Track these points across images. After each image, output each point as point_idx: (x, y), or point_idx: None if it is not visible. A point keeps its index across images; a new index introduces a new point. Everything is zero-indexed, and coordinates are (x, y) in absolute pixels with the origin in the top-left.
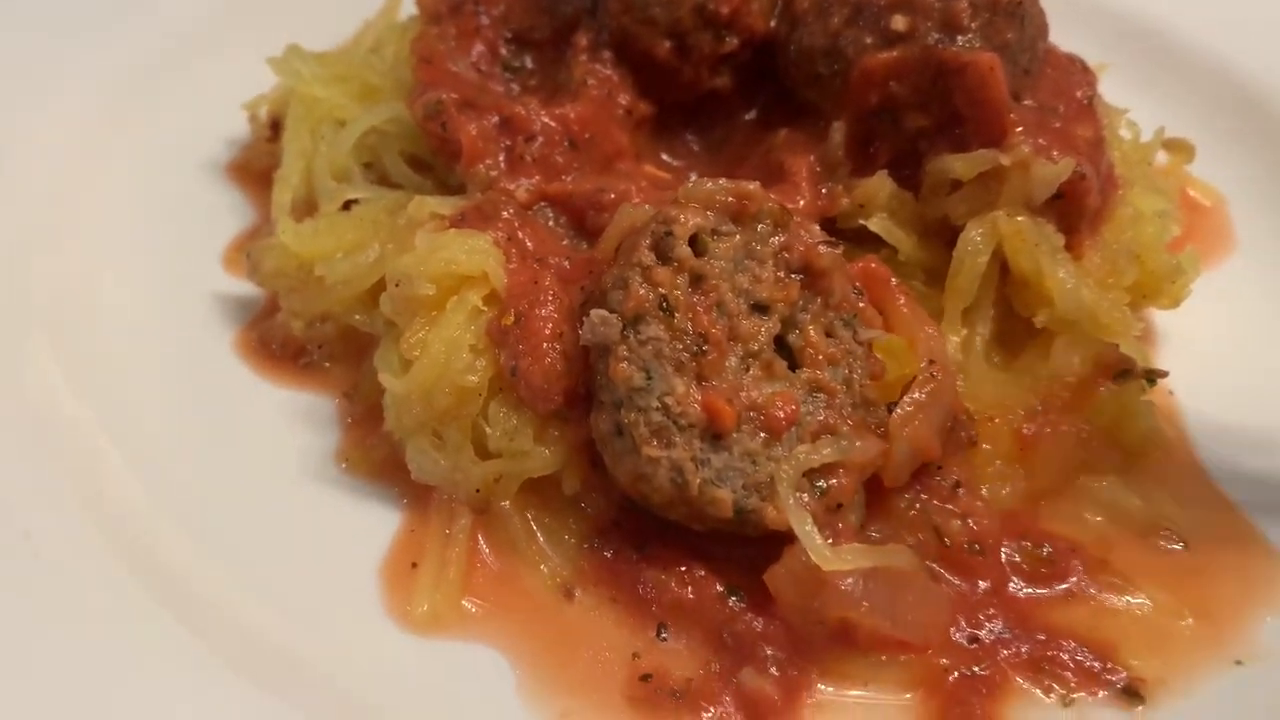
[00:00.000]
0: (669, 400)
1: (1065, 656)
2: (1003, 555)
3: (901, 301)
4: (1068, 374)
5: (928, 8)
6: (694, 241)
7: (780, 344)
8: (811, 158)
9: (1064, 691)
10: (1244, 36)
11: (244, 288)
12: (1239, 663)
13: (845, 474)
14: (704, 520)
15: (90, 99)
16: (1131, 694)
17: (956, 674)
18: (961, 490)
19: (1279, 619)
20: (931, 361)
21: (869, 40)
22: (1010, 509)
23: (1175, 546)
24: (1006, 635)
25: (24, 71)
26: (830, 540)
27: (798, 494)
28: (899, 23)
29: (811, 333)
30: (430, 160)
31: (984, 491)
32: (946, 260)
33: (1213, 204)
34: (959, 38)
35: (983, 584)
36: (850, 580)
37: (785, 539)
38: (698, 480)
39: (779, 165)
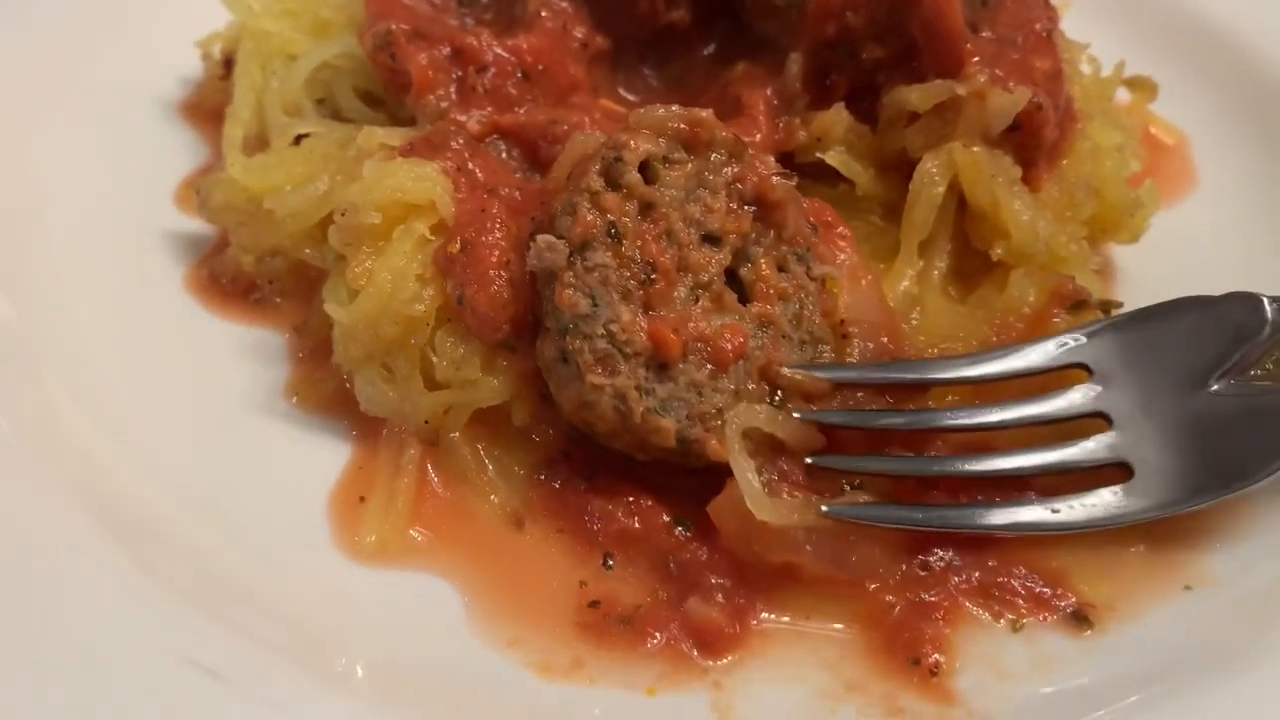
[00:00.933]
0: (614, 328)
1: (1015, 583)
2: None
3: (843, 255)
4: (1023, 306)
5: None
6: (645, 168)
7: (731, 276)
8: (769, 91)
9: (1014, 617)
10: None
11: (195, 225)
12: (1188, 588)
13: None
14: (647, 449)
15: (44, 39)
16: (1080, 619)
17: (899, 609)
18: None
19: (1228, 546)
20: (842, 321)
21: None
22: (966, 441)
23: None
24: (957, 562)
25: None
26: (776, 479)
27: (744, 440)
28: None
29: (763, 266)
30: (383, 95)
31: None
32: (904, 194)
33: (1174, 142)
34: None
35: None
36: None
37: (729, 470)
38: (641, 409)
39: (736, 99)
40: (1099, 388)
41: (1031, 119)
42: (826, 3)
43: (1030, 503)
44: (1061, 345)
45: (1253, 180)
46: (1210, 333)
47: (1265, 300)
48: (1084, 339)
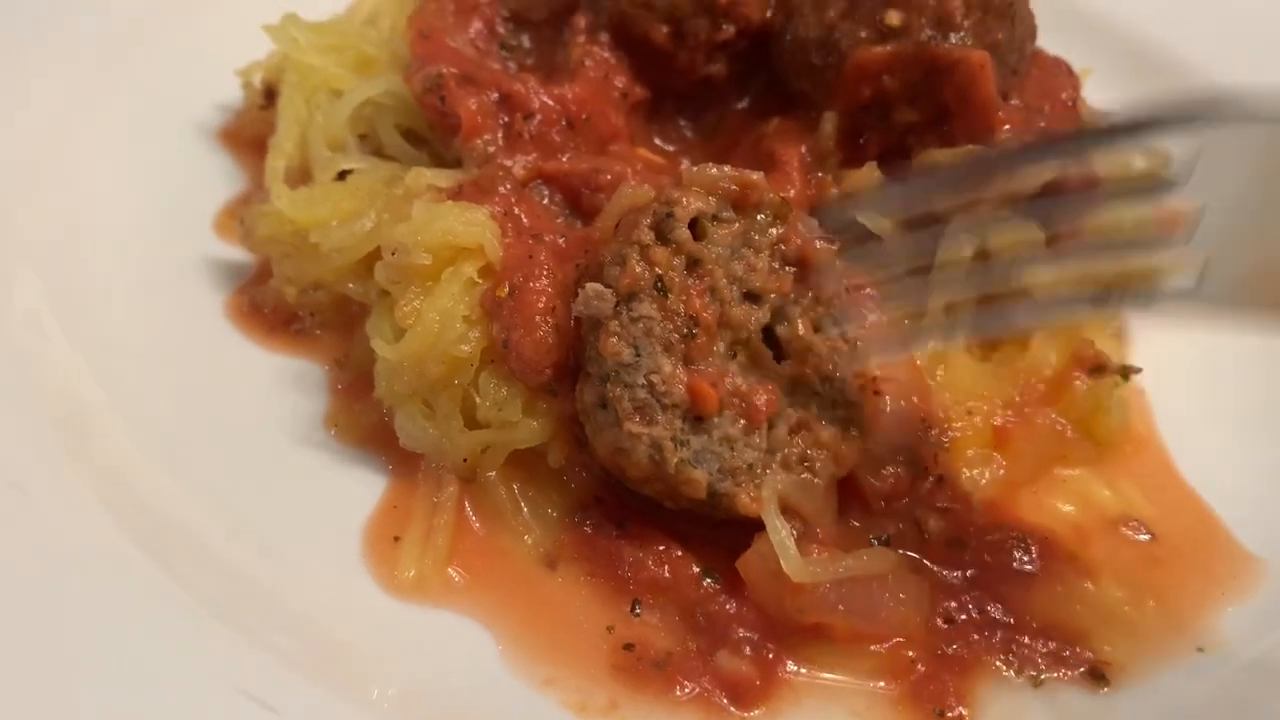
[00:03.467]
0: (655, 378)
1: (1036, 640)
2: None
3: (872, 316)
4: (1045, 368)
5: (921, 4)
6: (694, 225)
7: (769, 334)
8: (803, 148)
9: (1034, 673)
10: (1226, 48)
11: (235, 252)
12: (1201, 650)
13: (820, 478)
14: (677, 499)
15: (85, 60)
16: (1097, 676)
17: (924, 663)
18: (943, 485)
19: (1240, 609)
20: (875, 379)
21: (863, 34)
22: (988, 498)
23: (1143, 537)
24: (979, 618)
25: (20, 29)
26: (803, 538)
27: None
28: (893, 18)
29: (800, 326)
30: (425, 134)
31: (964, 477)
32: (931, 251)
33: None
34: (951, 35)
35: (961, 572)
36: (825, 583)
37: (757, 524)
38: (675, 459)
39: (770, 153)
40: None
41: (1058, 186)
42: (863, 66)
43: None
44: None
45: None
46: None
47: None
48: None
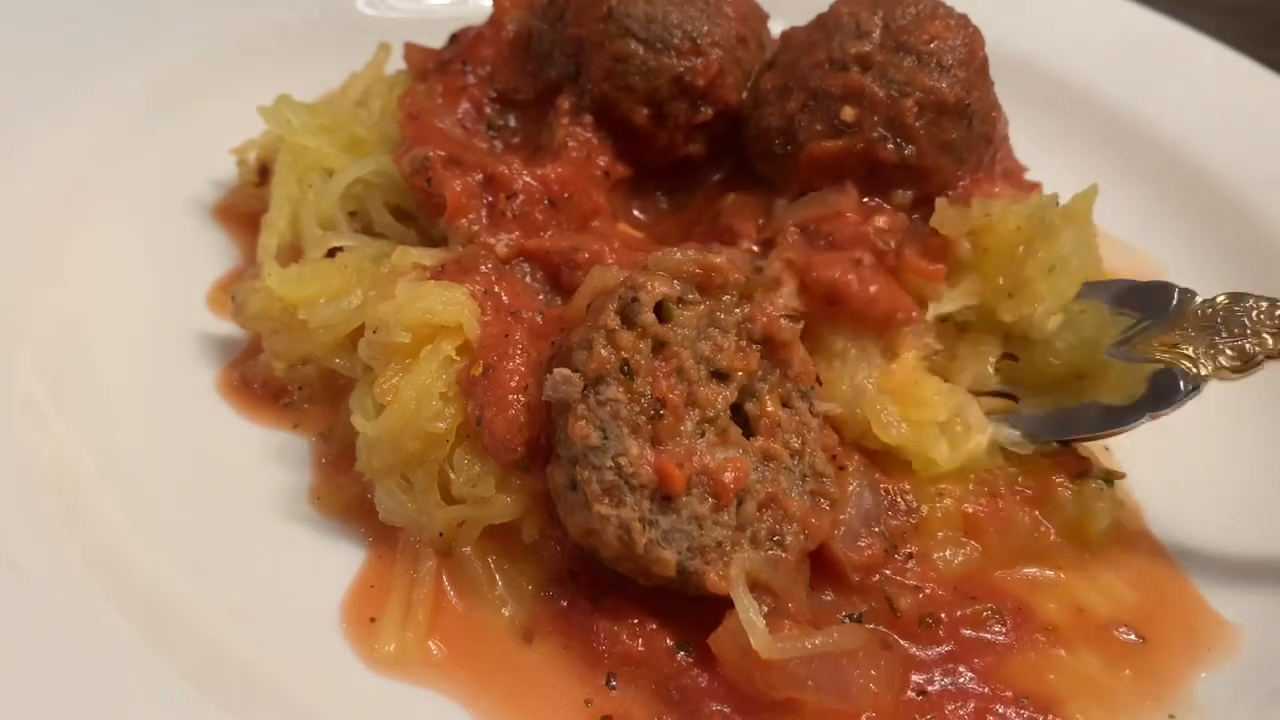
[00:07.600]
0: (622, 460)
1: (1010, 709)
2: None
3: None
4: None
5: (875, 102)
6: (659, 309)
7: (737, 411)
8: (760, 220)
9: None
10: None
11: (227, 327)
12: (1171, 717)
13: (790, 553)
14: (649, 577)
15: (82, 139)
16: None
17: None
18: (913, 562)
19: (1213, 677)
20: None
21: (819, 127)
22: (962, 573)
23: (1132, 638)
24: (952, 689)
25: (16, 109)
26: (773, 613)
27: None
28: (848, 113)
29: (768, 402)
30: (413, 211)
31: (936, 559)
32: None
33: None
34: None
35: (933, 648)
36: (796, 660)
37: (728, 600)
38: (644, 540)
39: (727, 228)
40: None
41: None
42: (817, 157)
43: None
44: None
45: None
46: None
47: (1178, 290)
48: None
